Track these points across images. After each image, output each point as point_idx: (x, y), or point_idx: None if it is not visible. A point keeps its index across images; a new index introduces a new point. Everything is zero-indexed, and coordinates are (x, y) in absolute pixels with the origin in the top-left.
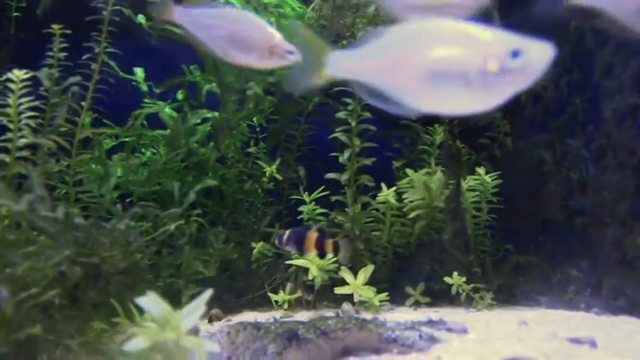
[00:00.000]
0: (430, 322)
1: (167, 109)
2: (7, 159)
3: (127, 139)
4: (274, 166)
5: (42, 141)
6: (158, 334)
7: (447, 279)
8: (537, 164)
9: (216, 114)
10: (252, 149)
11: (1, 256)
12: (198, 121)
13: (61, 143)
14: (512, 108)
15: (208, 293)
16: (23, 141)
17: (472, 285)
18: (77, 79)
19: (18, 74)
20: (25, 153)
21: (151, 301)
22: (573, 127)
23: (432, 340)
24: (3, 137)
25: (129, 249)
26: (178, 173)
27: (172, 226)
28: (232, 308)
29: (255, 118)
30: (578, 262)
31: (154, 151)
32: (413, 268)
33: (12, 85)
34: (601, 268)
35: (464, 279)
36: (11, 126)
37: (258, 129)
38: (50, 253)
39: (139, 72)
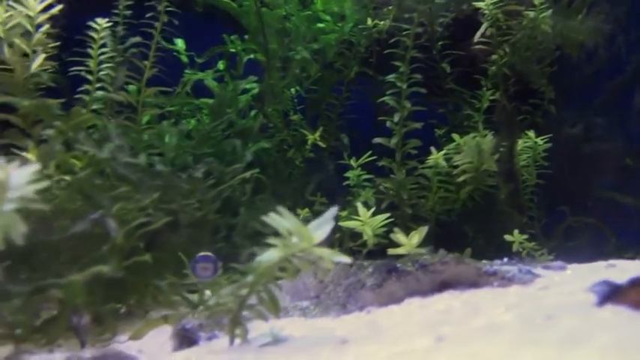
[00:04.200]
0: (527, 260)
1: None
2: (84, 111)
3: (171, 108)
4: (317, 134)
5: (114, 96)
6: (292, 246)
7: (507, 237)
8: (587, 127)
9: (256, 85)
10: (294, 117)
11: (90, 198)
12: (239, 91)
13: (130, 100)
14: (559, 70)
15: (334, 210)
16: (100, 93)
17: (533, 243)
18: (138, 39)
19: (101, 22)
20: (97, 106)
21: (280, 215)
22: (633, 86)
23: (532, 274)
24: (80, 88)
25: (204, 198)
26: (220, 143)
27: (249, 174)
28: None
29: (293, 89)
30: (636, 225)
31: (198, 119)
32: (459, 233)
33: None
34: None
35: (525, 236)
36: (90, 77)
37: (295, 99)
38: (137, 197)
39: (180, 43)
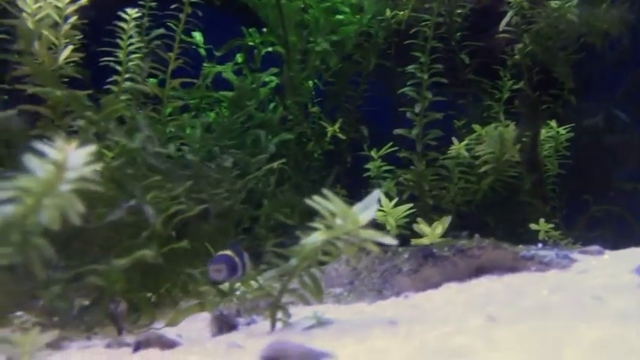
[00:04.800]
0: (560, 246)
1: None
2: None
3: (191, 101)
4: (337, 126)
5: (142, 87)
6: (337, 228)
7: (532, 225)
8: (607, 118)
9: (275, 78)
10: (314, 109)
11: (122, 187)
12: (259, 84)
13: (156, 92)
14: (582, 60)
15: (377, 193)
16: (128, 84)
17: (559, 232)
18: (162, 31)
19: (131, 12)
20: (125, 97)
21: (325, 199)
22: None
23: (569, 259)
24: (103, 80)
25: (233, 187)
26: (241, 135)
27: (276, 164)
28: None
29: (311, 82)
30: None
31: (217, 112)
32: (480, 223)
33: (124, 25)
34: None
35: (551, 225)
36: (119, 68)
37: (313, 92)
38: (169, 186)
39: (198, 36)
